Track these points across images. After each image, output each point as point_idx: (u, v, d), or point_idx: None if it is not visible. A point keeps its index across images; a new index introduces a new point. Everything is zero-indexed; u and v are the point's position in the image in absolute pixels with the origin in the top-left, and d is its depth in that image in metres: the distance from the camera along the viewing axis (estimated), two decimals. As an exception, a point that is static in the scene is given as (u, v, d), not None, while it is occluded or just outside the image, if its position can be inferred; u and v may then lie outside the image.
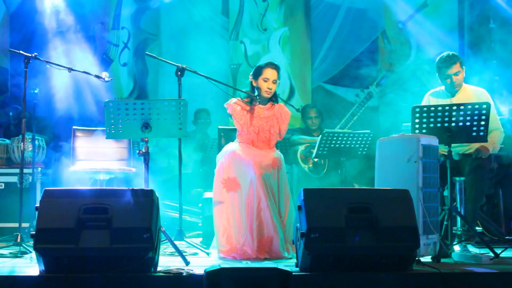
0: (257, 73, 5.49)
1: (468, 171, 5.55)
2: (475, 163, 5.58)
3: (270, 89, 5.45)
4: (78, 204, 4.15)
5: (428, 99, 5.90)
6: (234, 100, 5.55)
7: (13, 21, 9.17)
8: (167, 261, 4.75)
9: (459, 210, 5.34)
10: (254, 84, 5.52)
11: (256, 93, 5.44)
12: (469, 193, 5.52)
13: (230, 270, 3.98)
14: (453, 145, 5.27)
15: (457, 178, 5.52)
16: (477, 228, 5.57)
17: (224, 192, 5.31)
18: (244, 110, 5.50)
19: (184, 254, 4.80)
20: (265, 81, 5.45)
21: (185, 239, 5.71)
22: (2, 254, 5.22)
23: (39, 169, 7.11)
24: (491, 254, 4.95)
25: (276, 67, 5.49)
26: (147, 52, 6.01)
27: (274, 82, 5.47)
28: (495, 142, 5.65)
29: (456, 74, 5.67)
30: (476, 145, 5.56)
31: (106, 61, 9.40)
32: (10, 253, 5.25)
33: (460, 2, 9.34)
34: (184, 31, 9.41)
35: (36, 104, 6.38)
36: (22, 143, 5.70)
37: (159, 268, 4.27)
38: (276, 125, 5.52)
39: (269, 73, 5.45)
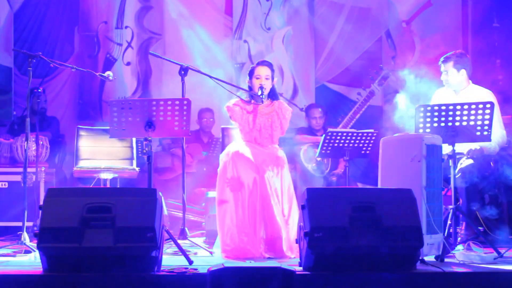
0: (250, 73, 5.63)
1: (458, 170, 5.56)
2: (465, 163, 5.61)
3: (263, 84, 5.49)
4: (81, 203, 4.15)
5: (435, 96, 5.97)
6: (232, 101, 5.64)
7: (17, 20, 9.18)
8: (170, 260, 4.75)
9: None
10: (250, 85, 5.62)
11: (259, 92, 5.47)
12: (460, 192, 5.54)
13: (234, 269, 3.97)
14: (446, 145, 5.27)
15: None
16: (480, 227, 5.56)
17: (228, 191, 5.32)
18: (243, 110, 5.56)
19: (187, 253, 4.80)
20: (257, 78, 5.54)
21: (188, 238, 5.71)
22: (5, 253, 5.22)
23: (43, 168, 7.11)
24: (495, 254, 4.94)
25: (267, 64, 5.62)
26: (150, 52, 6.02)
27: (267, 78, 5.54)
28: (495, 143, 5.66)
29: (445, 72, 5.80)
30: (473, 145, 5.58)
31: (109, 61, 9.40)
32: (13, 252, 5.26)
33: (464, 1, 9.33)
34: (187, 30, 9.41)
35: (40, 103, 6.38)
36: (25, 142, 5.70)
37: (162, 267, 4.27)
38: (277, 120, 5.56)
39: (261, 71, 5.56)
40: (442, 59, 5.87)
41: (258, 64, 5.63)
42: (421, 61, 9.36)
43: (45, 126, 7.69)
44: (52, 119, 8.06)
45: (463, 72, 5.83)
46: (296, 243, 4.61)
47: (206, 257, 5.23)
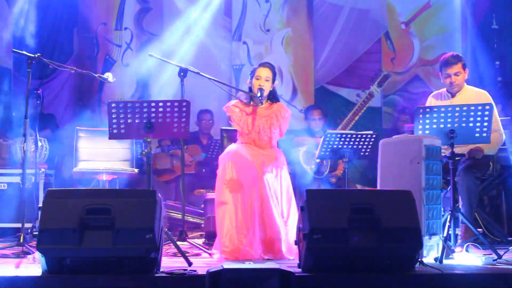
0: (252, 73, 5.64)
1: (459, 172, 5.56)
2: (466, 164, 5.60)
3: (262, 86, 5.49)
4: (81, 205, 4.15)
5: (430, 101, 5.95)
6: (232, 102, 5.65)
7: (16, 22, 9.18)
8: (169, 262, 4.76)
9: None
10: (250, 85, 5.64)
11: (258, 94, 5.47)
12: (460, 193, 5.53)
13: (233, 270, 3.97)
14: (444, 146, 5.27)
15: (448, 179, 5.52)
16: (479, 229, 5.57)
17: (227, 193, 5.32)
18: (243, 112, 5.57)
19: (186, 254, 4.80)
20: (257, 79, 5.56)
21: (187, 239, 5.71)
22: (5, 255, 5.22)
23: (42, 169, 7.10)
24: (494, 255, 4.94)
25: (268, 66, 5.62)
26: (150, 53, 6.00)
27: (267, 80, 5.54)
28: (493, 144, 5.66)
29: (456, 74, 5.76)
30: (471, 146, 5.58)
31: (109, 62, 9.41)
32: (13, 253, 5.25)
33: (463, 3, 9.34)
34: (186, 32, 9.41)
35: (39, 104, 6.38)
36: (24, 144, 5.70)
37: (161, 269, 4.27)
38: (276, 123, 5.56)
39: (261, 72, 5.58)
40: (449, 60, 5.75)
41: (260, 65, 5.65)
42: (420, 62, 9.39)
43: (44, 123, 7.67)
44: (48, 115, 8.04)
45: (467, 72, 5.82)
46: (295, 244, 4.61)
47: (205, 258, 5.23)
